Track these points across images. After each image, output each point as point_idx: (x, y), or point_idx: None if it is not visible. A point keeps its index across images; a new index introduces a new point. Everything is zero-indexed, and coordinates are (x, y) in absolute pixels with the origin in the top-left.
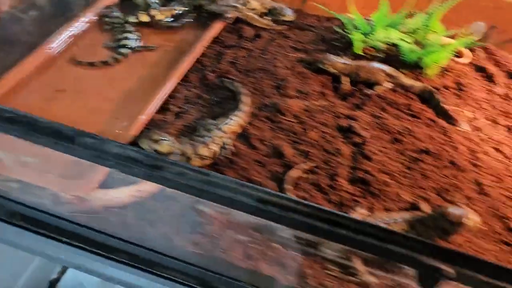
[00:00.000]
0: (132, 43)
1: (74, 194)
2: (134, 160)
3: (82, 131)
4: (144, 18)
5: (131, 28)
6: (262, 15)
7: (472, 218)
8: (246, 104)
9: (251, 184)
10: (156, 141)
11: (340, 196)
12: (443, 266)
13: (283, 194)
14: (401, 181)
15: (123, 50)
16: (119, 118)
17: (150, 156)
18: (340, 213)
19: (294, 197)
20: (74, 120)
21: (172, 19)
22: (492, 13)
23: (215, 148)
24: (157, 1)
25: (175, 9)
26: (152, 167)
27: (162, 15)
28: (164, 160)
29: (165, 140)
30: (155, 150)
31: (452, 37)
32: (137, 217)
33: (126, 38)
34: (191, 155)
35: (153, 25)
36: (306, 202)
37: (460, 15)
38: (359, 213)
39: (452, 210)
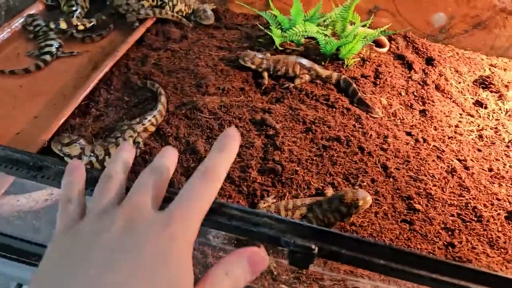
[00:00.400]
0: (54, 50)
1: None
2: (17, 161)
3: None
4: (63, 25)
5: (54, 36)
6: (187, 15)
7: (365, 199)
8: (162, 103)
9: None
10: (66, 144)
11: (251, 187)
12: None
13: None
14: (310, 168)
15: (45, 57)
16: (36, 124)
17: (32, 157)
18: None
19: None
20: None
21: (89, 26)
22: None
23: None
24: (80, 11)
25: (91, 21)
26: (35, 168)
27: (81, 25)
28: (47, 160)
29: (75, 142)
30: (66, 153)
31: (370, 26)
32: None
33: (48, 45)
34: (103, 156)
35: (71, 33)
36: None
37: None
38: (267, 202)
39: (347, 192)
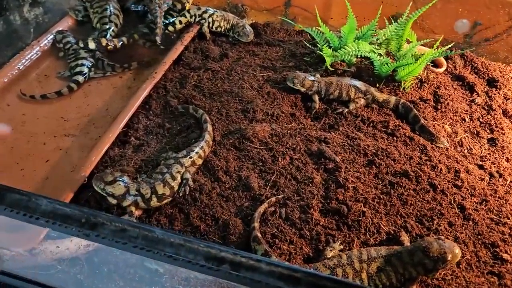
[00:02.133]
0: (86, 70)
1: (18, 249)
2: (67, 217)
3: (7, 187)
4: (92, 45)
5: (85, 54)
6: (226, 31)
7: (453, 252)
8: (209, 132)
9: (197, 240)
10: (110, 183)
11: (314, 230)
12: None
13: (233, 250)
14: (378, 209)
15: (77, 78)
16: (71, 157)
17: (85, 213)
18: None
19: (246, 253)
20: (19, 165)
21: (119, 46)
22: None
23: (174, 184)
24: (113, 29)
25: (121, 40)
26: (88, 225)
27: (110, 46)
28: (101, 216)
29: (119, 180)
30: (109, 193)
31: (428, 45)
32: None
33: (80, 65)
34: (149, 195)
35: (98, 57)
36: (261, 258)
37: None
38: (334, 249)
39: (432, 243)
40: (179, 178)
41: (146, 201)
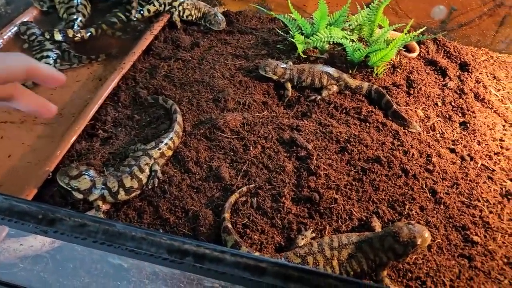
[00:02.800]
0: (52, 62)
1: None
2: (24, 214)
3: None
4: (58, 36)
5: (51, 46)
6: (197, 20)
7: (423, 236)
8: (179, 123)
9: (160, 233)
10: (74, 177)
11: (286, 219)
12: None
13: (197, 242)
14: (350, 195)
15: None
16: (35, 153)
17: (42, 209)
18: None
19: (210, 245)
20: None
21: (86, 38)
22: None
23: (142, 177)
24: (81, 19)
25: (88, 31)
26: (46, 221)
27: (77, 37)
28: (60, 212)
29: (84, 174)
30: (75, 187)
31: (401, 30)
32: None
33: (45, 57)
34: (116, 188)
35: (64, 49)
36: (226, 249)
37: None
38: (306, 238)
39: (402, 228)
40: (147, 171)
41: (113, 195)
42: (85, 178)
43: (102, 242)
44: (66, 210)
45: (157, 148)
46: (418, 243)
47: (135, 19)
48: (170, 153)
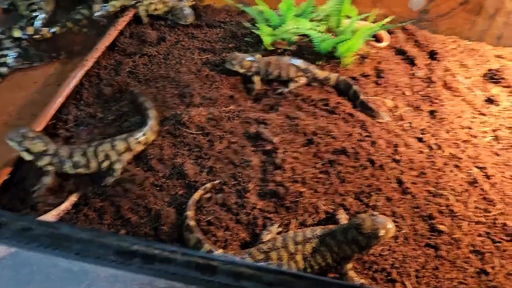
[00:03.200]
0: (11, 61)
1: None
2: None
3: None
4: (17, 33)
5: (11, 44)
6: (164, 14)
7: (386, 227)
8: (154, 118)
9: (108, 234)
10: (29, 139)
11: (251, 215)
12: None
13: (147, 242)
14: (316, 188)
15: (1, 70)
16: None
17: None
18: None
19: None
20: None
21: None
22: None
23: (92, 160)
24: (44, 16)
25: (51, 30)
26: None
27: (38, 35)
28: (4, 215)
29: (39, 138)
30: (26, 148)
31: (367, 19)
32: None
33: (3, 56)
34: (64, 158)
35: (29, 41)
36: (176, 248)
37: None
38: (271, 233)
39: (365, 220)
40: (101, 157)
41: (60, 163)
42: (39, 142)
43: (47, 245)
44: (10, 214)
45: (123, 140)
46: (381, 234)
47: (98, 14)
48: (139, 148)
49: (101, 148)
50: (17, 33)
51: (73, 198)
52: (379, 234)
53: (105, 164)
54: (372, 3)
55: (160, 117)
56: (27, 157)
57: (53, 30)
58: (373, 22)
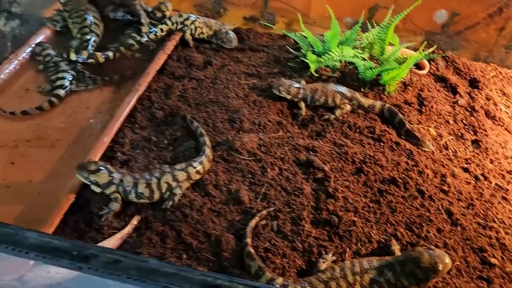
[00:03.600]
0: (68, 84)
1: (7, 277)
2: (57, 250)
3: None
4: (73, 56)
5: (66, 67)
6: (208, 37)
7: (444, 261)
8: (208, 146)
9: (191, 269)
10: (93, 172)
11: (306, 242)
12: None
13: (229, 277)
14: (368, 218)
15: (58, 92)
16: (56, 178)
17: (76, 245)
18: None
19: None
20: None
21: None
22: None
23: (156, 191)
24: (95, 39)
25: (105, 55)
26: (80, 257)
27: (92, 60)
28: (93, 248)
29: (102, 169)
30: (93, 181)
31: (411, 47)
32: None
33: (60, 78)
34: (130, 188)
35: (79, 70)
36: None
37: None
38: (327, 261)
39: (423, 254)
40: (164, 189)
41: (125, 193)
42: (104, 172)
43: (136, 278)
44: (98, 247)
45: (184, 171)
46: (440, 268)
47: (147, 39)
48: (197, 177)
49: (164, 180)
50: (73, 56)
51: (134, 222)
52: (438, 269)
53: (167, 194)
54: (403, 27)
55: (213, 142)
56: (96, 189)
57: (107, 54)
58: (414, 49)
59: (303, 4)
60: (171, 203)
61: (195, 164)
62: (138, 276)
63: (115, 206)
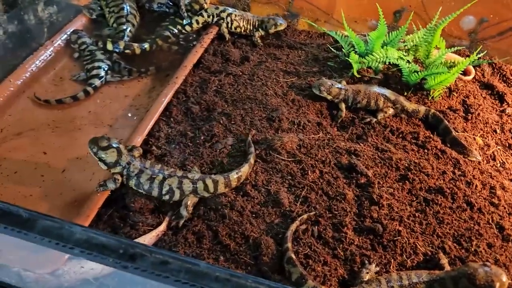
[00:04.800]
0: (103, 73)
1: (41, 271)
2: (103, 247)
3: (39, 214)
4: (109, 46)
5: (102, 56)
6: (246, 31)
7: (501, 279)
8: (250, 164)
9: (244, 275)
10: (103, 148)
11: (348, 250)
12: None
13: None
14: (414, 228)
15: (93, 81)
16: (89, 168)
17: (122, 243)
18: None
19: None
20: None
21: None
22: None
23: (156, 188)
24: (130, 29)
25: (142, 46)
26: (126, 256)
27: (128, 51)
28: (139, 247)
29: (113, 147)
30: (102, 158)
31: (457, 52)
32: None
33: (96, 68)
34: (134, 174)
35: (115, 60)
36: None
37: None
38: (370, 271)
39: (478, 270)
40: (164, 191)
41: (128, 177)
42: (113, 151)
43: (185, 281)
44: (145, 246)
45: (192, 182)
46: (496, 287)
47: (187, 30)
48: (206, 194)
49: (169, 181)
50: (109, 46)
51: (167, 219)
52: (495, 287)
53: (167, 197)
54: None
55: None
56: (103, 166)
57: (144, 46)
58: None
59: (327, 4)
60: (181, 222)
61: (207, 181)
62: (188, 279)
63: (111, 186)
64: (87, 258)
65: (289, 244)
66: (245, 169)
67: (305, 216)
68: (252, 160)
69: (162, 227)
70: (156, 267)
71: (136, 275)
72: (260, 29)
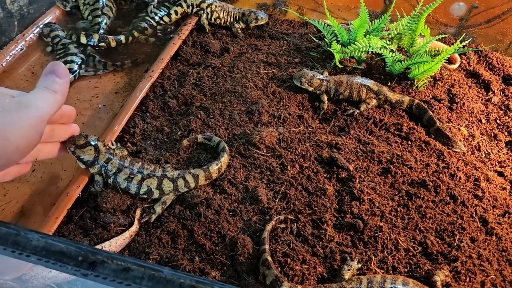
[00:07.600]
0: (76, 68)
1: (7, 277)
2: (62, 254)
3: None
4: (83, 39)
5: (75, 50)
6: (226, 23)
7: None
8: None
9: (210, 281)
10: (80, 147)
11: (328, 248)
12: None
13: None
14: (395, 223)
15: None
16: (61, 166)
17: (82, 250)
18: None
19: None
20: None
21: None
22: None
23: (133, 187)
24: (106, 22)
25: (117, 39)
26: (87, 264)
27: (102, 42)
28: (101, 254)
29: (90, 145)
30: (79, 157)
31: (442, 40)
32: None
33: (69, 62)
34: (112, 172)
35: (89, 53)
36: None
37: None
38: (351, 268)
39: None
40: (143, 191)
41: (106, 176)
42: (90, 149)
43: None
44: (107, 253)
45: (171, 181)
46: None
47: (165, 21)
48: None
49: (147, 182)
50: (83, 39)
51: (137, 216)
52: None
53: (144, 196)
54: (433, 19)
55: (230, 135)
56: (82, 165)
57: (120, 38)
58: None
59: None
60: (153, 217)
61: (187, 177)
62: (150, 286)
63: (97, 189)
64: (46, 266)
65: (266, 246)
66: (224, 159)
67: (282, 217)
68: (227, 149)
69: (135, 227)
70: (118, 274)
71: (97, 282)
72: (240, 22)
